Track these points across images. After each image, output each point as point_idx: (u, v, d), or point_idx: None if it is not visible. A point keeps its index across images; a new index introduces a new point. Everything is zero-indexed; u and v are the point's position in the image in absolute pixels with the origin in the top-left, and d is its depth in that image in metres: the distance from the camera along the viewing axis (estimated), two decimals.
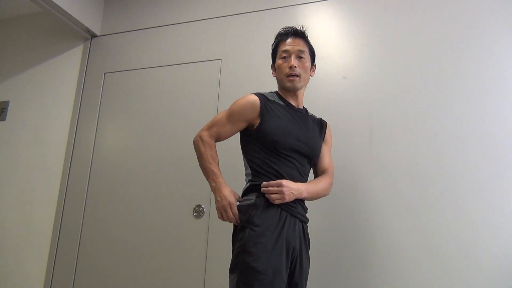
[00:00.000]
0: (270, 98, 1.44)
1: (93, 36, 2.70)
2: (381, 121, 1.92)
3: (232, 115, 1.41)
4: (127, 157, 2.36)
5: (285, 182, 1.29)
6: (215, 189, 1.34)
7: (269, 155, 1.35)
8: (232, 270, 1.25)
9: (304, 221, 1.38)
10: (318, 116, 1.59)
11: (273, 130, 1.36)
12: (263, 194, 1.30)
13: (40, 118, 2.64)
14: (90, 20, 2.62)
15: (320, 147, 1.51)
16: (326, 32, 2.15)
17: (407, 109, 1.89)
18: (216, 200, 1.33)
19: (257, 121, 1.37)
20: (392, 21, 2.04)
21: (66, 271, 2.27)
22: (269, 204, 1.29)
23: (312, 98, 2.02)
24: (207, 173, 1.37)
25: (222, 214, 1.31)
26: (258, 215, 1.27)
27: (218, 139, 1.42)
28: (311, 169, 1.53)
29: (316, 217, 1.86)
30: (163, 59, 2.46)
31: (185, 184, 2.17)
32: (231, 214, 1.30)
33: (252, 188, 1.35)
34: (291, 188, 1.30)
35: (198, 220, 2.09)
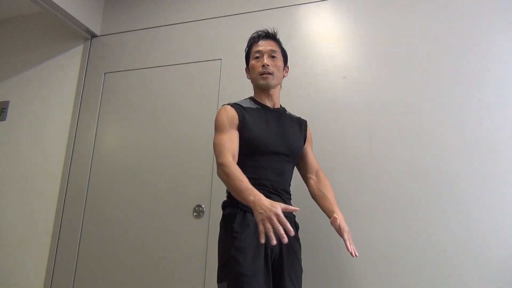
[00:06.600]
0: (244, 105, 1.46)
1: (93, 36, 2.70)
2: (381, 120, 1.92)
3: (224, 128, 1.38)
4: (127, 157, 2.36)
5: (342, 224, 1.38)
6: (254, 203, 1.14)
7: (245, 162, 1.36)
8: (221, 280, 1.26)
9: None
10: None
11: (250, 137, 1.38)
12: (239, 203, 1.29)
13: (40, 118, 2.64)
14: (90, 20, 2.62)
15: (301, 144, 1.54)
16: (326, 32, 2.15)
17: (407, 109, 1.89)
18: (258, 213, 1.11)
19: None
20: (392, 20, 2.04)
21: (66, 271, 2.27)
22: (245, 212, 1.32)
23: (312, 98, 2.03)
24: (241, 189, 1.20)
25: (265, 223, 1.07)
26: (237, 223, 1.32)
27: (234, 156, 1.33)
28: (299, 167, 1.58)
29: (316, 217, 1.86)
30: (163, 59, 2.46)
31: (185, 184, 2.16)
32: (277, 223, 1.06)
33: (229, 200, 1.39)
34: (344, 225, 1.39)
35: (198, 220, 2.09)
